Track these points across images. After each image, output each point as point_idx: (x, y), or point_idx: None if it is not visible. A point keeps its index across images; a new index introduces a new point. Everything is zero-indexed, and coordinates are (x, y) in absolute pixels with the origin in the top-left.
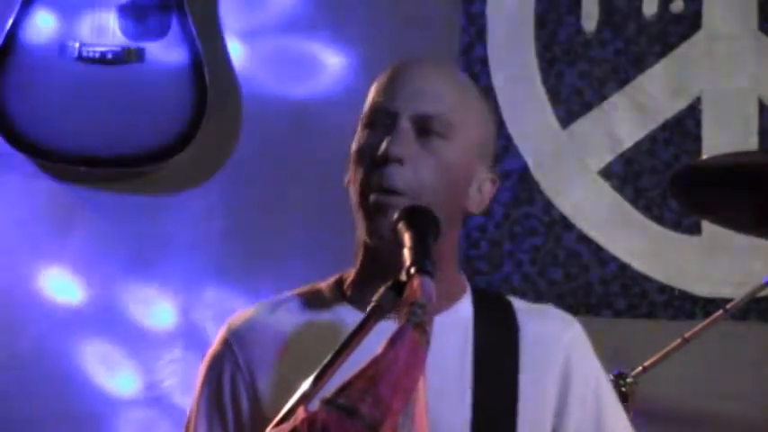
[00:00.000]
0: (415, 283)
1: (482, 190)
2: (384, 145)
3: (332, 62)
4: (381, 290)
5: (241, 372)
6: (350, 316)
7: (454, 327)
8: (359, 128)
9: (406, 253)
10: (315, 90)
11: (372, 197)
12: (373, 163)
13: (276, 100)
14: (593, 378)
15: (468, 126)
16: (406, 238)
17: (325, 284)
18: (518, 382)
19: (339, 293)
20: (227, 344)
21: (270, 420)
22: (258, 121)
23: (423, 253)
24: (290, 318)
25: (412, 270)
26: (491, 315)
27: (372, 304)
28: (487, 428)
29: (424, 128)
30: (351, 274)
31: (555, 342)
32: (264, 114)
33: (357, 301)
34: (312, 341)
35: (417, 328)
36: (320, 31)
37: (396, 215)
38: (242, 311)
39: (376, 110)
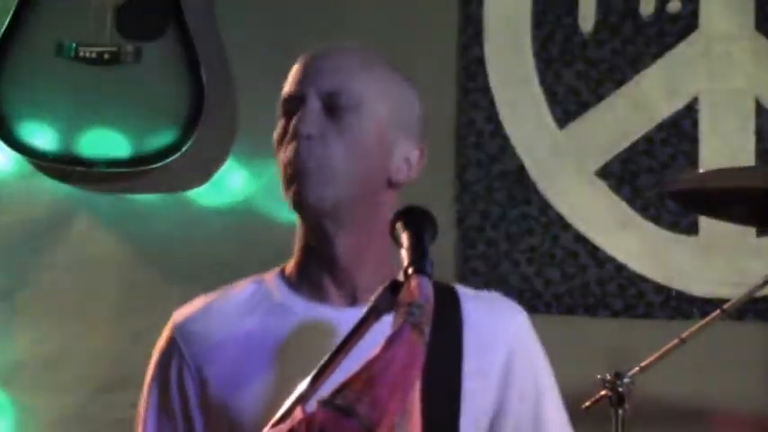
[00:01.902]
0: (413, 283)
1: (409, 159)
2: (293, 123)
3: None
4: (379, 290)
5: (188, 365)
6: (293, 302)
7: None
8: (276, 119)
9: (404, 253)
10: None
11: (292, 189)
12: (289, 144)
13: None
14: (535, 373)
15: (378, 99)
16: (404, 238)
17: (268, 274)
18: (461, 368)
19: (282, 281)
20: (172, 339)
21: (220, 411)
22: (256, 121)
23: (420, 253)
24: (234, 308)
25: (410, 270)
26: (436, 298)
27: (370, 304)
28: (431, 412)
29: (332, 104)
30: (292, 263)
31: (500, 330)
32: (262, 115)
33: (299, 287)
34: (258, 329)
35: (415, 328)
36: (316, 31)
37: (393, 215)
38: (185, 305)
39: (288, 99)
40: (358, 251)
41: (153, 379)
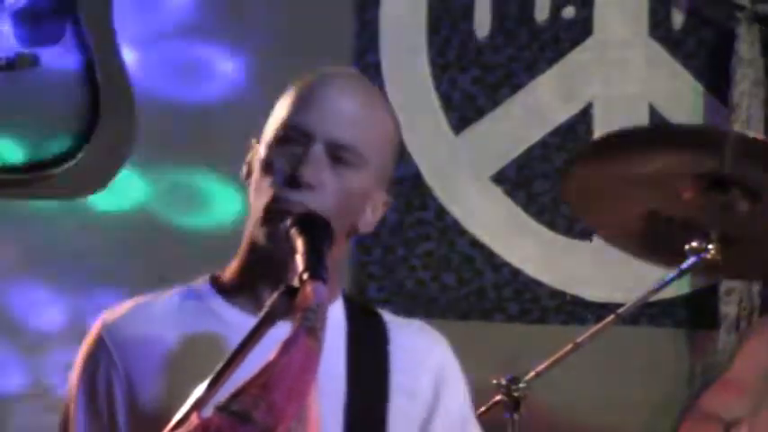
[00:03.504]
0: (308, 288)
1: (375, 211)
2: (299, 168)
3: (226, 67)
4: (274, 295)
5: (116, 367)
6: (226, 311)
7: (328, 328)
8: (270, 138)
9: (299, 259)
10: (210, 95)
11: (270, 229)
12: (284, 182)
13: (171, 105)
14: (461, 403)
15: (377, 155)
16: (299, 243)
17: (200, 282)
18: (389, 385)
19: (215, 290)
20: (100, 340)
21: (147, 415)
22: (153, 126)
23: (316, 259)
24: (165, 314)
25: (305, 276)
26: (362, 322)
27: (265, 310)
28: (358, 427)
29: (337, 155)
30: (229, 272)
31: (426, 353)
32: (160, 120)
33: (235, 296)
34: (188, 337)
35: (310, 333)
36: (215, 36)
37: (288, 221)
38: (115, 307)
39: (290, 127)
40: None
41: (81, 379)
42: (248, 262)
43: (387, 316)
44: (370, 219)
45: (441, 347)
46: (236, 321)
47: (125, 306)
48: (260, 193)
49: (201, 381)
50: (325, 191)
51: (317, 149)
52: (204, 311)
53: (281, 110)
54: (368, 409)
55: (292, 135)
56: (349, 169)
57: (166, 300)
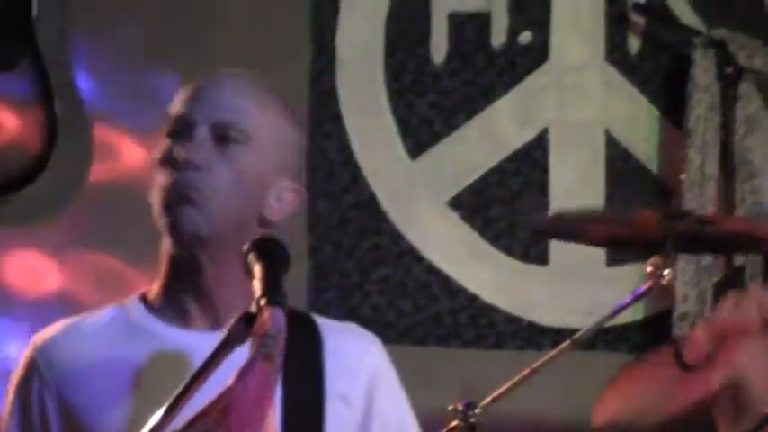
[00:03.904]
0: (266, 314)
1: (282, 199)
2: (182, 151)
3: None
4: (232, 321)
5: (49, 390)
6: (155, 326)
7: None
8: (162, 136)
9: (256, 284)
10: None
11: (169, 214)
12: (174, 168)
13: (127, 131)
14: (397, 404)
15: (265, 137)
16: (257, 269)
17: (130, 300)
18: (323, 392)
19: (144, 306)
20: (32, 361)
21: None
22: (110, 152)
23: (273, 284)
24: (95, 332)
25: (262, 302)
26: (295, 328)
27: (224, 336)
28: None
29: (222, 135)
30: (155, 286)
31: (359, 357)
32: (116, 146)
33: (162, 311)
34: (119, 354)
35: (267, 359)
36: (170, 63)
37: (246, 246)
38: (46, 330)
39: (176, 120)
40: (225, 280)
41: (14, 403)
42: (168, 274)
43: (319, 320)
44: (276, 207)
45: (373, 350)
46: (164, 336)
47: (55, 327)
48: (156, 186)
49: (133, 398)
50: (212, 171)
51: (201, 132)
52: (133, 328)
53: (171, 108)
54: (304, 416)
55: (179, 127)
56: (235, 148)
57: (96, 318)
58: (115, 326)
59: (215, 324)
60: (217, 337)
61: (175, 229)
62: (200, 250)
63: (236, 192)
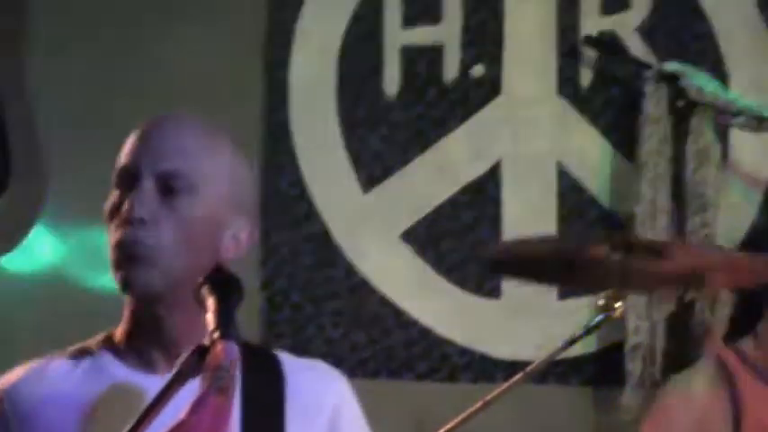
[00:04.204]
0: (218, 347)
1: (238, 238)
2: (126, 206)
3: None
4: (184, 355)
5: (13, 430)
6: (119, 371)
7: None
8: (111, 186)
9: (209, 317)
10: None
11: (121, 272)
12: (121, 223)
13: (85, 167)
14: None
15: (214, 180)
16: (210, 302)
17: (94, 342)
18: (285, 429)
19: (108, 349)
20: None
21: None
22: (66, 186)
23: (226, 318)
24: (59, 375)
25: (215, 335)
26: (257, 364)
27: (176, 370)
28: None
29: (167, 185)
30: (119, 330)
31: (323, 393)
32: (72, 181)
33: (126, 355)
34: (83, 397)
35: (221, 392)
36: (130, 97)
37: (200, 279)
38: (12, 372)
39: (122, 171)
40: (187, 327)
41: None
42: (131, 320)
43: (283, 356)
44: (233, 247)
45: (337, 387)
46: (126, 380)
47: (19, 370)
48: (109, 241)
49: None
50: (159, 225)
51: (146, 185)
52: (97, 371)
53: (120, 156)
54: None
55: (125, 179)
56: (182, 198)
57: (61, 361)
58: (80, 369)
59: None
60: (197, 386)
61: (129, 288)
62: (158, 304)
63: (187, 242)
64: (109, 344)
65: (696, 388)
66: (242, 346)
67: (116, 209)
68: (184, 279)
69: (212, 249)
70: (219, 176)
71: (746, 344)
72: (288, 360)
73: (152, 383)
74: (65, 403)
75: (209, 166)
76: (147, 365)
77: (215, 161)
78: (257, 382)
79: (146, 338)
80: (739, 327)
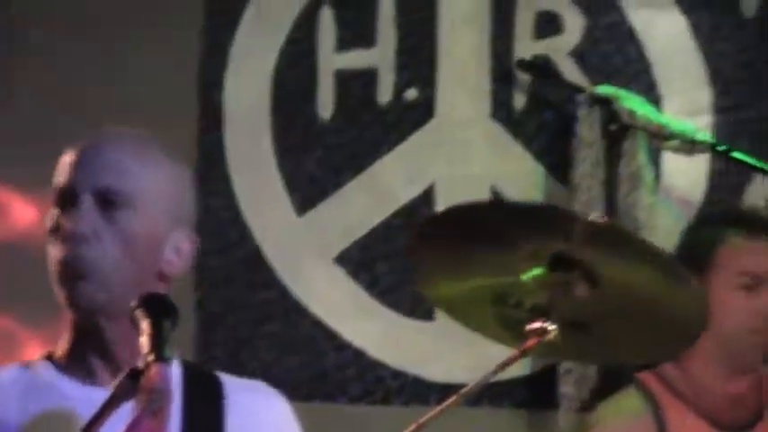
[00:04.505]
0: (153, 370)
1: (179, 250)
2: (67, 223)
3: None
4: (119, 378)
5: None
6: (62, 384)
7: None
8: (51, 205)
9: (144, 340)
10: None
11: (65, 289)
12: (62, 241)
13: (29, 185)
14: None
15: (153, 194)
16: (144, 325)
17: (37, 359)
18: None
19: (50, 364)
20: None
21: None
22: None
23: (160, 340)
24: (2, 391)
25: (149, 358)
26: (197, 384)
27: (110, 393)
28: None
29: (105, 200)
30: (61, 344)
31: (263, 415)
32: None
33: (69, 369)
34: (26, 412)
35: (155, 415)
36: (60, 123)
37: (134, 302)
38: None
39: (61, 189)
40: (125, 338)
41: None
42: (72, 335)
43: (224, 377)
44: (174, 260)
45: (278, 407)
46: (71, 393)
47: None
48: (50, 259)
49: None
50: (100, 240)
51: (85, 201)
52: (40, 385)
53: (57, 174)
54: None
55: (64, 196)
56: (122, 211)
57: (2, 376)
58: (21, 385)
59: None
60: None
61: (72, 304)
62: (100, 315)
63: (127, 256)
64: (49, 359)
65: (623, 413)
66: (183, 367)
67: (54, 228)
68: (127, 291)
69: (154, 261)
70: (157, 189)
71: (667, 366)
72: (228, 381)
73: (95, 394)
74: (5, 418)
75: (147, 180)
76: (90, 377)
77: (152, 174)
78: (198, 402)
79: (86, 348)
80: None
